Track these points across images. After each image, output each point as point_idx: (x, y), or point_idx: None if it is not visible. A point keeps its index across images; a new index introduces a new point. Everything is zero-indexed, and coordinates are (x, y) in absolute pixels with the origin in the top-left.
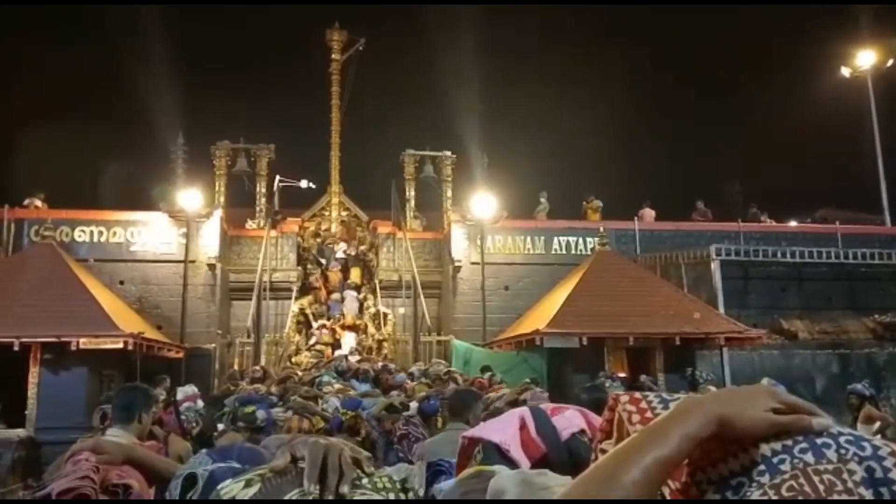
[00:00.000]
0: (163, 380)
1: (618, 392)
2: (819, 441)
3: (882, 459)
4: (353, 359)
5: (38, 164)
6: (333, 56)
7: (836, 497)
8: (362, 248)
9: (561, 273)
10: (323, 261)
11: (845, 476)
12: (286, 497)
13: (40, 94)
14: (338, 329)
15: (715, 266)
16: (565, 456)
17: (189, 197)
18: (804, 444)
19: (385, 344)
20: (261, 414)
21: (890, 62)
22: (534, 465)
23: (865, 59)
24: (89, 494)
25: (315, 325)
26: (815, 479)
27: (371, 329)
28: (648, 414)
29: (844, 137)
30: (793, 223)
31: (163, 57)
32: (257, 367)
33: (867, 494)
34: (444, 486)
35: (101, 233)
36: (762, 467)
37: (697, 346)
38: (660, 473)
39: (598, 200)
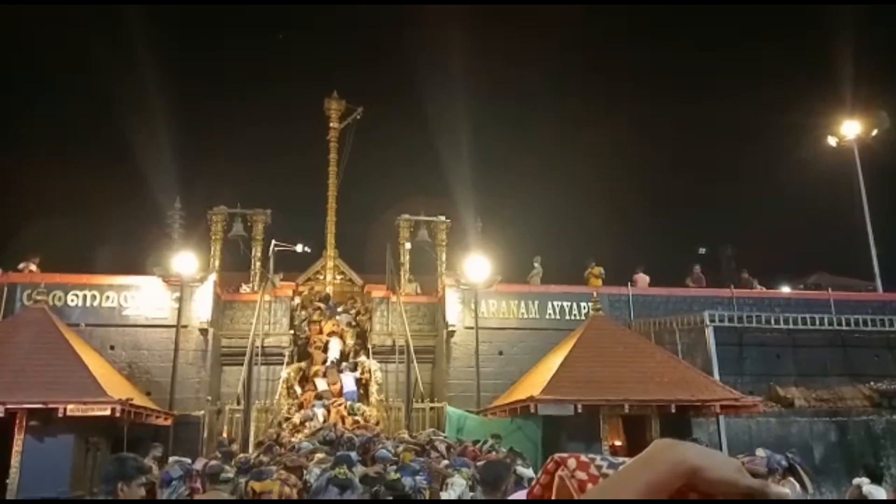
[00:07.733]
0: (155, 447)
1: (561, 454)
2: None
3: None
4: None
5: (34, 228)
6: (332, 124)
7: None
8: (354, 312)
9: (555, 338)
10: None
11: None
12: None
13: (37, 158)
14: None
15: (709, 332)
16: None
17: (184, 261)
18: None
19: (374, 410)
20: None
21: (874, 132)
22: None
23: (850, 129)
24: None
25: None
26: None
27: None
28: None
29: (834, 204)
30: (785, 289)
31: (161, 122)
32: (270, 435)
33: None
34: None
35: (94, 297)
36: None
37: (693, 413)
38: None
39: (599, 267)
